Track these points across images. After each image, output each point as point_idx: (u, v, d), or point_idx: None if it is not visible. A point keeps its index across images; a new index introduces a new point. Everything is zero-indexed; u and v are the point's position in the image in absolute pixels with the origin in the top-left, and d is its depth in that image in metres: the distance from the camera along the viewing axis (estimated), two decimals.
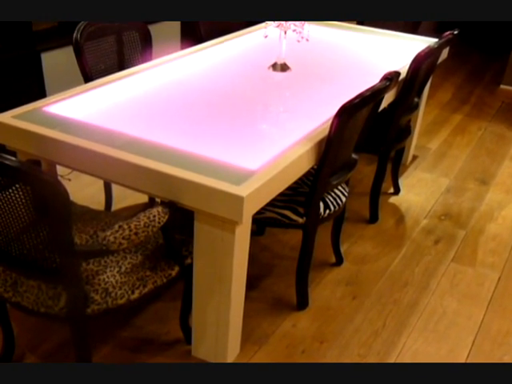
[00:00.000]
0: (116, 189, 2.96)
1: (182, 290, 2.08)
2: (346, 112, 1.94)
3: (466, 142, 4.08)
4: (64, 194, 1.47)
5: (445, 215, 3.16)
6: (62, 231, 1.54)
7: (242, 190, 1.67)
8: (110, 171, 1.87)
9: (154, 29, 2.92)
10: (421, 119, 3.64)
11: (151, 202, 2.97)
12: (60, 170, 2.25)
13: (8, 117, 2.02)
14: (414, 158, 3.77)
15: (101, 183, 3.08)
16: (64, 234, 1.54)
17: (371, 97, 2.03)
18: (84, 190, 3.08)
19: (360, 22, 3.86)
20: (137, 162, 1.79)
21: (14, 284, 1.78)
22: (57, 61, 3.38)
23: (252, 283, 2.52)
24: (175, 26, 4.35)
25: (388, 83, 2.11)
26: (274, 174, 1.78)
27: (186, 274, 1.96)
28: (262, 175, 1.76)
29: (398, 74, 2.20)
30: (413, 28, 3.62)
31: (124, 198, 3.04)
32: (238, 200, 1.66)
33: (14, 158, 1.46)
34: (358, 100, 1.95)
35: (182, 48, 4.34)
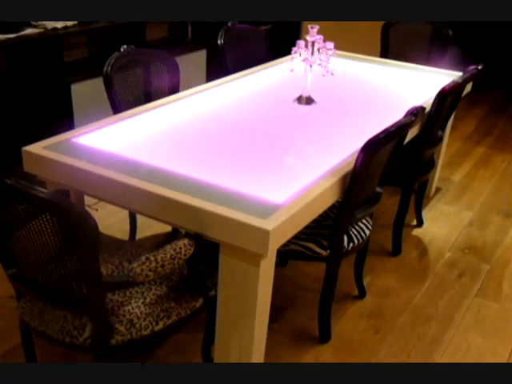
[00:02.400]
0: (140, 217, 2.99)
1: (203, 320, 2.08)
2: (372, 147, 1.95)
3: (489, 175, 4.06)
4: (93, 226, 1.49)
5: (468, 248, 3.13)
6: (90, 262, 1.55)
7: (268, 224, 1.68)
8: (136, 202, 1.90)
9: (179, 59, 2.97)
10: (444, 151, 3.64)
11: (175, 232, 2.99)
12: (87, 199, 2.29)
13: (39, 147, 2.06)
14: (438, 190, 3.76)
15: (125, 212, 3.11)
16: (92, 266, 1.56)
17: (396, 132, 2.04)
18: (109, 219, 3.11)
19: (384, 55, 3.89)
20: (163, 194, 1.82)
21: (41, 313, 1.80)
22: (85, 91, 3.44)
23: (274, 315, 2.52)
24: (201, 57, 4.42)
25: (413, 118, 2.12)
26: (299, 207, 1.79)
27: (210, 305, 1.97)
28: (287, 209, 1.77)
29: (423, 109, 2.21)
30: (438, 59, 3.65)
31: (148, 226, 3.06)
32: (263, 234, 1.67)
33: (45, 190, 1.49)
34: (383, 135, 1.96)
35: (208, 78, 4.40)
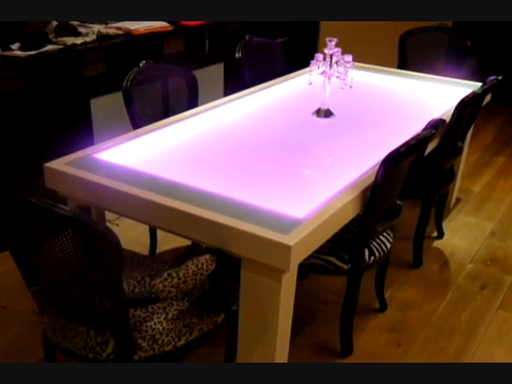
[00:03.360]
0: (160, 231, 2.99)
1: (224, 335, 2.07)
2: (393, 160, 1.94)
3: (510, 185, 4.02)
4: (116, 243, 1.50)
5: (490, 260, 3.10)
6: (113, 279, 1.56)
7: (290, 239, 1.67)
8: (157, 218, 1.91)
9: (197, 73, 2.99)
10: (464, 162, 3.61)
11: (195, 245, 2.99)
12: (108, 214, 2.30)
13: (61, 164, 2.07)
14: (458, 200, 3.73)
15: (145, 225, 3.12)
16: (115, 282, 1.57)
17: (417, 145, 2.03)
18: (129, 232, 3.12)
19: (401, 66, 3.88)
20: (184, 209, 1.82)
21: (64, 329, 1.81)
22: (104, 105, 3.47)
23: (295, 328, 2.49)
24: (219, 70, 4.44)
25: (433, 131, 2.11)
26: (320, 222, 1.79)
27: (232, 320, 1.97)
28: (308, 224, 1.76)
29: (443, 121, 2.20)
30: (456, 69, 3.63)
31: (169, 240, 3.07)
32: (285, 249, 1.66)
33: (68, 208, 1.50)
34: (404, 148, 1.96)
35: (226, 91, 4.42)
